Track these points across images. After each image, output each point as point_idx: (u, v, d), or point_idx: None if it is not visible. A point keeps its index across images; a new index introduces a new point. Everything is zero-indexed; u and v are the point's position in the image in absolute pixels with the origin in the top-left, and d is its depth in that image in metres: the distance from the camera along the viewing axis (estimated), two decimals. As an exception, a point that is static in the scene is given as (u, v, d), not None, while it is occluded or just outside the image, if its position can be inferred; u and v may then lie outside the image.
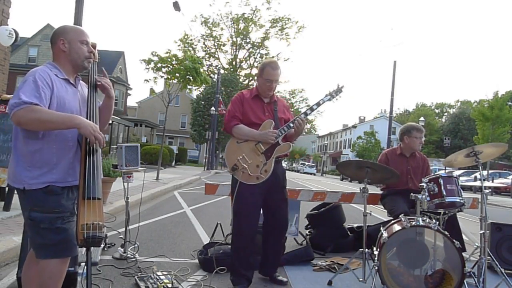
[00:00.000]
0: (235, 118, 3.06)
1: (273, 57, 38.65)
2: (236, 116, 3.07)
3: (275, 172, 3.02)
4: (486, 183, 13.48)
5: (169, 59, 12.84)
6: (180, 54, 13.78)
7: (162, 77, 13.20)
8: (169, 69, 12.76)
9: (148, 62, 12.94)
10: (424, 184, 3.16)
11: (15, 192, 2.09)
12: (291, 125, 3.03)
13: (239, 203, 3.02)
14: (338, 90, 3.20)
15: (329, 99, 3.19)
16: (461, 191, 3.25)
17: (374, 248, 3.13)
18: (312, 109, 3.17)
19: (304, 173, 50.37)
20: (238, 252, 3.08)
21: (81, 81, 2.20)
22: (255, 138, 2.98)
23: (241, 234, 3.06)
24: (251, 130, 3.01)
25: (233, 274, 3.09)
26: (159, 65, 12.80)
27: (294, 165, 64.67)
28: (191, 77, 12.33)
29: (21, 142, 1.93)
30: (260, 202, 3.08)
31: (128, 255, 3.73)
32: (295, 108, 46.00)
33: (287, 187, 3.35)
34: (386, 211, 4.12)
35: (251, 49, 39.78)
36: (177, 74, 12.42)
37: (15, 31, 6.41)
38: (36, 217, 1.89)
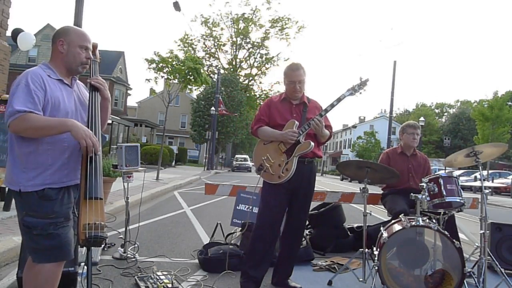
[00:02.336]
0: (260, 121, 3.13)
1: (273, 57, 38.73)
2: (262, 119, 3.12)
3: (301, 174, 2.98)
4: (486, 183, 13.42)
5: (170, 59, 12.85)
6: (181, 55, 13.80)
7: (163, 77, 13.23)
8: (170, 69, 12.77)
9: (151, 61, 12.96)
10: (424, 184, 3.15)
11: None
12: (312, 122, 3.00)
13: (262, 203, 3.09)
14: (362, 84, 3.09)
15: (351, 94, 3.08)
16: (461, 191, 3.24)
17: (374, 248, 3.13)
18: (332, 105, 3.04)
19: (304, 173, 50.08)
20: (253, 252, 3.07)
21: (77, 81, 2.16)
22: (277, 138, 3.01)
23: (260, 235, 3.06)
24: (274, 130, 3.04)
25: (242, 276, 3.08)
26: (160, 65, 12.82)
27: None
28: (192, 78, 12.34)
29: (15, 144, 1.92)
30: (284, 205, 3.07)
31: (128, 255, 3.73)
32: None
33: None
34: (386, 211, 4.12)
35: (251, 49, 39.73)
36: (177, 75, 12.43)
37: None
38: (30, 222, 1.89)
